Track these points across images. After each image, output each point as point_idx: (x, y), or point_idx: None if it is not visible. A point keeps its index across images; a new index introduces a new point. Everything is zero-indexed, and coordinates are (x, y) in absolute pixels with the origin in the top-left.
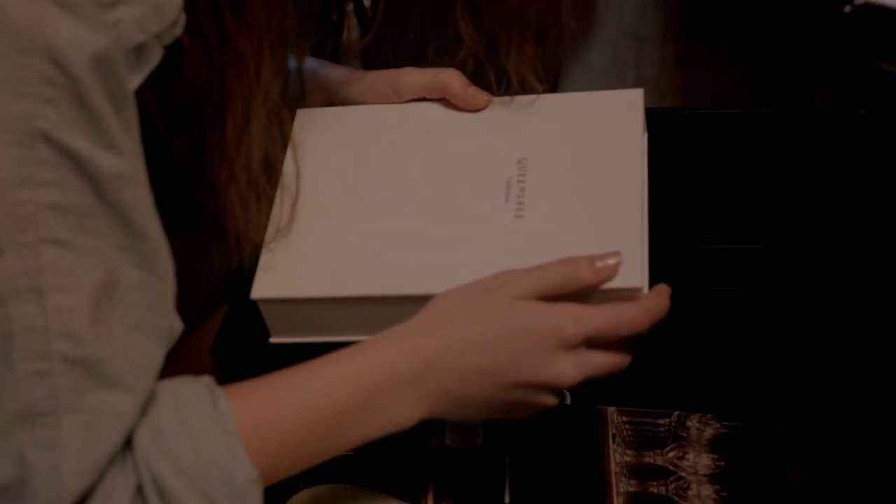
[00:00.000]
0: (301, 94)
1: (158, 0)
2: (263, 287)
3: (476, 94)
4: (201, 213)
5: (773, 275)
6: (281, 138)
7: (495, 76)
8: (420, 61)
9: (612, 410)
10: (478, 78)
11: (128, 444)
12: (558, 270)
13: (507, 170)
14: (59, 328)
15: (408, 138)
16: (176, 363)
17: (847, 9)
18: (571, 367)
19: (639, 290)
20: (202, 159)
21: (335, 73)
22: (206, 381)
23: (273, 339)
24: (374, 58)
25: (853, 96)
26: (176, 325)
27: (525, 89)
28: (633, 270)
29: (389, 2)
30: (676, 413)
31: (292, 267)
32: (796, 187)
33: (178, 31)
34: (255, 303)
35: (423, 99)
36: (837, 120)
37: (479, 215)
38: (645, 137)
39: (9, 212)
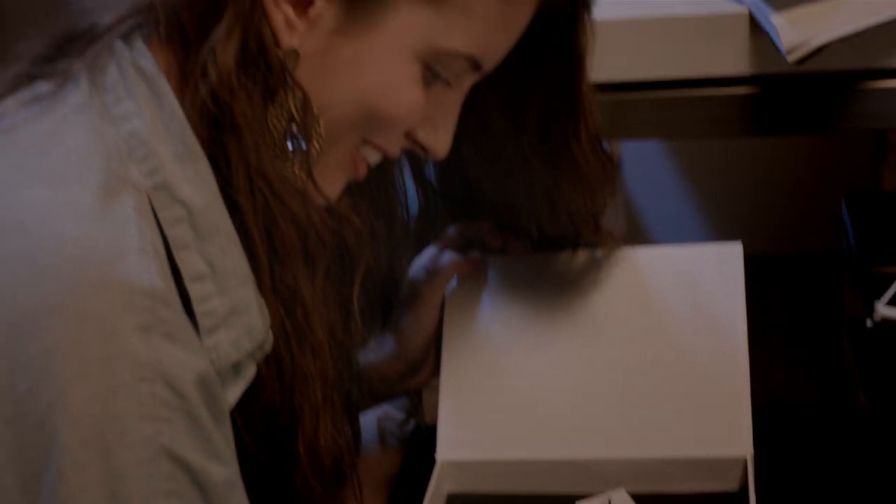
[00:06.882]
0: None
1: (249, 324)
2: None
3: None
4: None
5: None
6: (349, 436)
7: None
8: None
9: None
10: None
11: None
12: None
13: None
14: None
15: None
16: None
17: (868, 324)
18: None
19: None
20: (281, 467)
21: (381, 354)
22: None
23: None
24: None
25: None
26: None
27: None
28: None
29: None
30: None
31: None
32: None
33: (268, 348)
34: None
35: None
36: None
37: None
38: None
39: None
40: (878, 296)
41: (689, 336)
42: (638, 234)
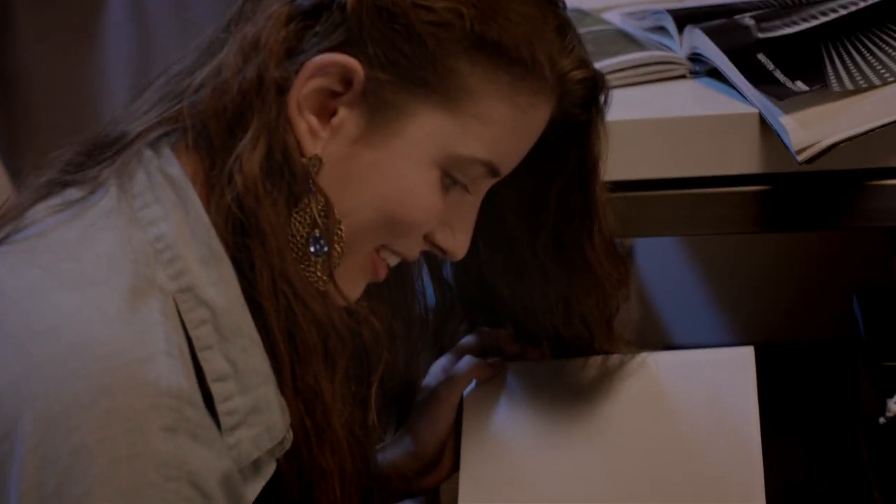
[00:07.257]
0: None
1: (269, 422)
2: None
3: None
4: None
5: None
6: None
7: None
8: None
9: None
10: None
11: None
12: None
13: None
14: None
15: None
16: None
17: (882, 420)
18: None
19: None
20: None
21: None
22: None
23: None
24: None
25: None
26: None
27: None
28: None
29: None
30: None
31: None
32: None
33: (287, 445)
34: None
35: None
36: None
37: None
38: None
39: None
40: (891, 391)
41: (704, 439)
42: (652, 325)
